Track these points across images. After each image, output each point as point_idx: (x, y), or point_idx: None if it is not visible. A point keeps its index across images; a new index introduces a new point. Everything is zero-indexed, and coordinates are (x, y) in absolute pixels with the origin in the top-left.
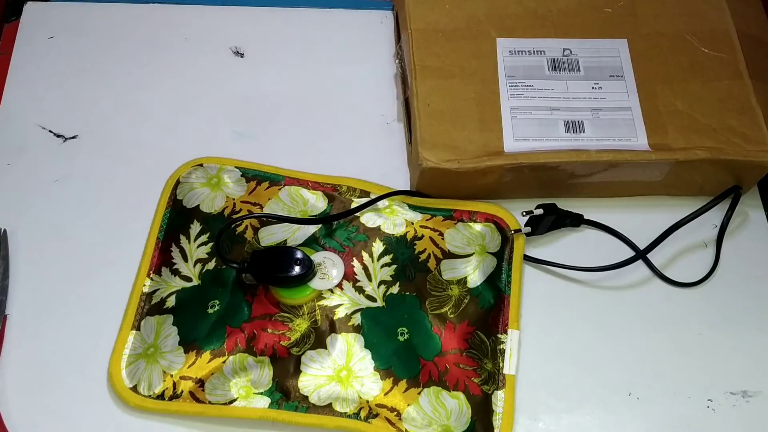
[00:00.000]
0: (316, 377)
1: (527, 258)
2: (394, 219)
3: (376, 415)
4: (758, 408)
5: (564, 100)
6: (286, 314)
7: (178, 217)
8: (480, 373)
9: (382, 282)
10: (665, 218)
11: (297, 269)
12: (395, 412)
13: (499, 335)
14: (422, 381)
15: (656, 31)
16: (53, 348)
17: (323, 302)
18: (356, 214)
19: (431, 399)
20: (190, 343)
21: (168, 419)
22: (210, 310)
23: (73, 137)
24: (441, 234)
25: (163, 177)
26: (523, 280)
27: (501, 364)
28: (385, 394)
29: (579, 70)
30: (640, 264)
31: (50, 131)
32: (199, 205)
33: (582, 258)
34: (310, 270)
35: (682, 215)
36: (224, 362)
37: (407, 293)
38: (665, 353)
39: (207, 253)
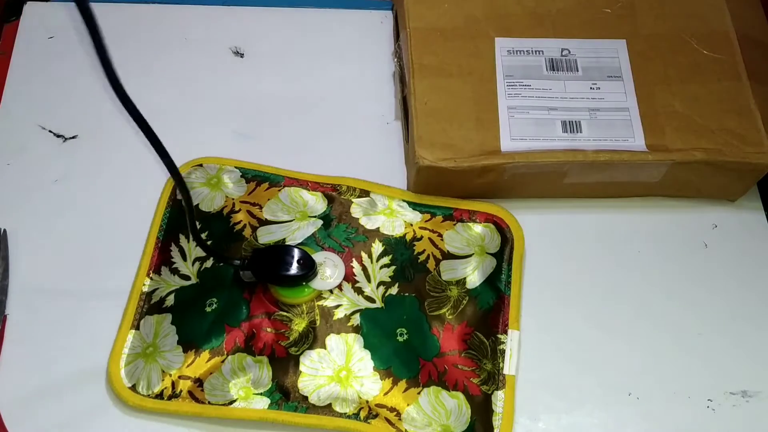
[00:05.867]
0: (316, 377)
1: None
2: (393, 220)
3: (376, 416)
4: (758, 408)
5: (562, 100)
6: (285, 313)
7: (177, 217)
8: (479, 374)
9: (381, 283)
10: (663, 219)
11: (300, 269)
12: (395, 412)
13: (499, 335)
14: (422, 381)
15: (655, 32)
16: (53, 348)
17: (322, 302)
18: (355, 215)
19: (431, 399)
20: (188, 342)
21: (167, 419)
22: (208, 309)
23: (73, 137)
24: (440, 235)
25: (163, 177)
26: (523, 280)
27: (501, 365)
28: (385, 394)
29: (577, 71)
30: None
31: (50, 131)
32: (198, 204)
33: (583, 254)
34: (312, 270)
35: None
36: (223, 362)
37: (406, 294)
38: (665, 353)
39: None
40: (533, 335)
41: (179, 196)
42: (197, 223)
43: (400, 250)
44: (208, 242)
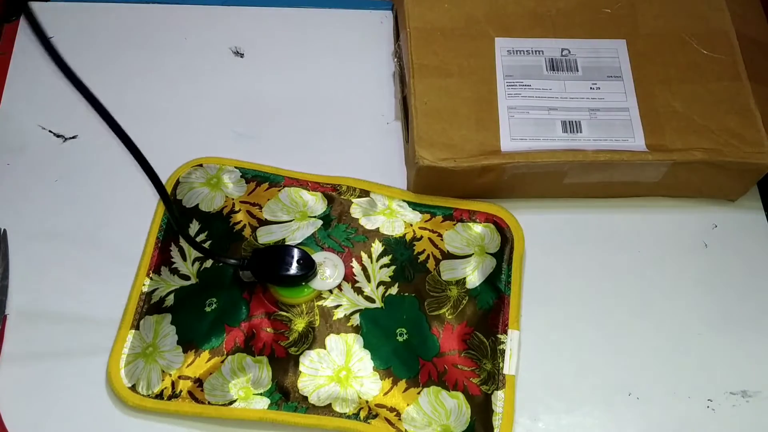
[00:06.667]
0: (316, 377)
1: None
2: (393, 220)
3: (376, 416)
4: (758, 408)
5: (561, 100)
6: (285, 313)
7: (177, 217)
8: (479, 374)
9: (381, 283)
10: (663, 219)
11: (300, 269)
12: (395, 412)
13: (499, 335)
14: (422, 381)
15: (655, 32)
16: (53, 348)
17: (322, 302)
18: (355, 216)
19: (431, 399)
20: (188, 342)
21: (167, 419)
22: (207, 309)
23: (73, 137)
24: (440, 235)
25: (163, 177)
26: (523, 280)
27: (501, 365)
28: (385, 394)
29: (577, 71)
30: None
31: (50, 131)
32: (198, 204)
33: (583, 254)
34: (312, 270)
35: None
36: (223, 362)
37: (406, 294)
38: (665, 353)
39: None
40: (533, 335)
41: (179, 196)
42: (197, 223)
43: (399, 250)
44: (208, 242)
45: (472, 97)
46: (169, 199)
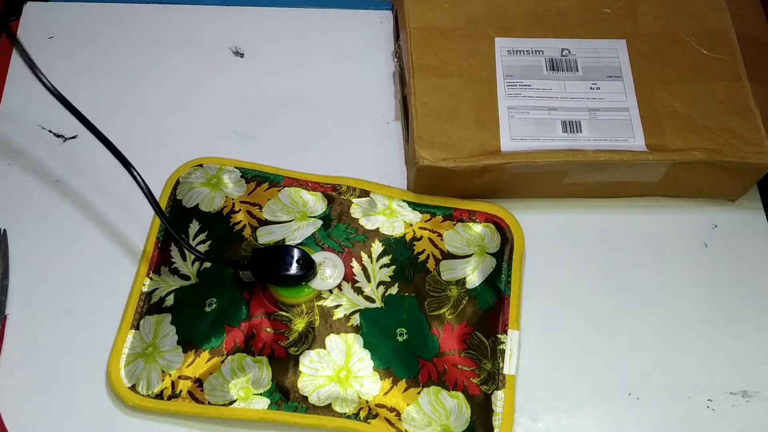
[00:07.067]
0: (316, 377)
1: None
2: (393, 220)
3: (376, 416)
4: (758, 408)
5: (561, 100)
6: (285, 313)
7: (177, 217)
8: (479, 374)
9: (381, 283)
10: (663, 219)
11: (300, 269)
12: (395, 412)
13: (499, 335)
14: (422, 381)
15: (655, 32)
16: (53, 348)
17: (321, 302)
18: (355, 216)
19: (431, 399)
20: (188, 342)
21: (167, 419)
22: (207, 309)
23: (73, 137)
24: (440, 235)
25: (163, 177)
26: (523, 280)
27: (501, 365)
28: (385, 394)
29: (577, 71)
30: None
31: (50, 131)
32: (198, 204)
33: (583, 254)
34: (311, 270)
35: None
36: (222, 362)
37: (406, 294)
38: (665, 353)
39: (205, 251)
40: (533, 335)
41: (179, 196)
42: (197, 223)
43: (399, 250)
44: (208, 242)
45: (472, 97)
46: (159, 207)
